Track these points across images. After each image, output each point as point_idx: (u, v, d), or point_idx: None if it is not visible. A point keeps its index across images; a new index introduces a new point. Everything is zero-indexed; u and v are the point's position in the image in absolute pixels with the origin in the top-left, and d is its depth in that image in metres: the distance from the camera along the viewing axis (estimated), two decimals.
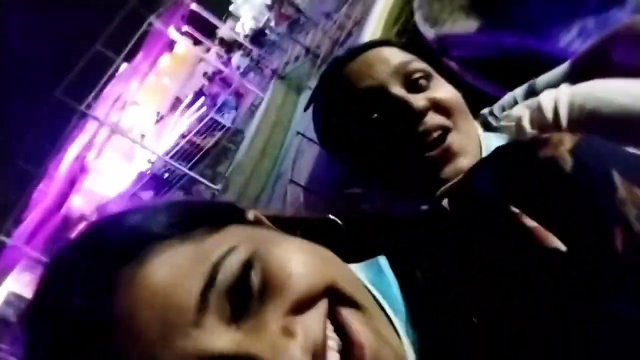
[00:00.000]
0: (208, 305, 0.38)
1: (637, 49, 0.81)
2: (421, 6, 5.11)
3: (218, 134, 12.40)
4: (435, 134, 0.76)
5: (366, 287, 0.48)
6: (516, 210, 0.43)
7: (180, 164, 11.15)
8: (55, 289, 0.42)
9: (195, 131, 12.77)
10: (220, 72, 15.18)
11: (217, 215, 0.48)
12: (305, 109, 0.93)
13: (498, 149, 0.53)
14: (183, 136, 13.12)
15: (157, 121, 14.72)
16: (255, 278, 0.40)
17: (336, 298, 0.41)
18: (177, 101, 15.08)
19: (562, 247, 0.39)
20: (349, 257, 0.51)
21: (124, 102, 14.09)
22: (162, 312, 0.37)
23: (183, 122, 13.88)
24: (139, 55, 13.83)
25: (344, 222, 0.57)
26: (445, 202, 0.54)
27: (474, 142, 0.78)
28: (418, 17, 5.13)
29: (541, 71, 0.92)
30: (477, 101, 0.94)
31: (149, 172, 12.84)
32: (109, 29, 10.92)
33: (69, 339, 0.39)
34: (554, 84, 0.84)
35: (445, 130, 0.77)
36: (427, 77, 0.81)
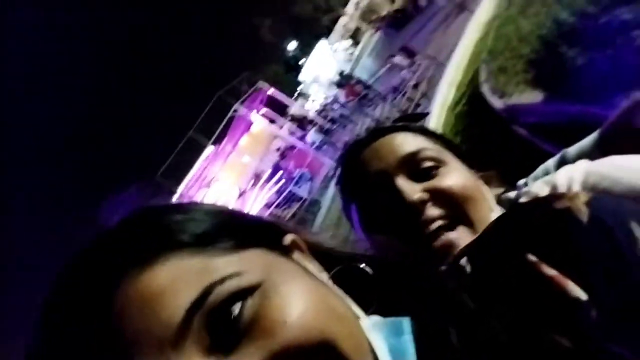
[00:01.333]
0: (190, 327, 0.36)
1: None
2: (488, 80, 5.60)
3: (296, 205, 13.14)
4: (433, 227, 0.75)
5: (374, 351, 0.44)
6: (534, 258, 0.43)
7: None
8: (70, 277, 0.43)
9: (275, 204, 13.63)
10: (293, 147, 16.25)
11: (246, 234, 0.46)
12: (336, 184, 0.96)
13: (513, 206, 0.56)
14: (266, 207, 13.96)
15: (239, 196, 15.77)
16: (248, 311, 0.38)
17: (331, 358, 0.38)
18: (256, 176, 16.16)
19: (583, 296, 0.40)
20: (377, 308, 0.50)
21: (209, 180, 15.38)
22: (146, 320, 0.37)
23: (263, 196, 14.83)
24: (225, 139, 15.29)
25: (376, 272, 0.54)
26: (464, 260, 0.54)
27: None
28: (485, 89, 5.57)
29: None
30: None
31: None
32: (200, 117, 12.34)
33: (65, 320, 0.40)
34: (585, 153, 0.85)
35: (449, 221, 0.76)
36: (437, 165, 0.81)
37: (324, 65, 22.42)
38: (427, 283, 0.55)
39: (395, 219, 0.77)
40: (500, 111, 4.68)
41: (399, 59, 11.20)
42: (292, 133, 17.04)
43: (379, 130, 0.89)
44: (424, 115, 1.02)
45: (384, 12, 19.12)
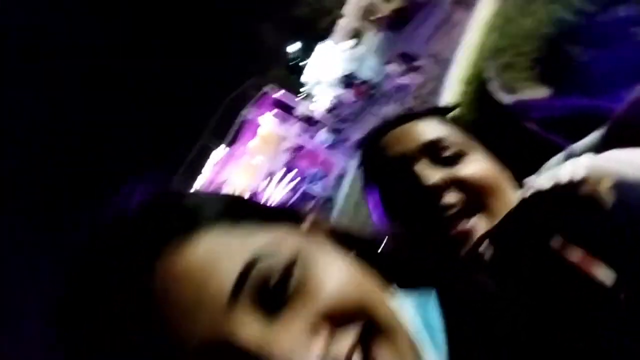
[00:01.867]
0: (241, 293, 0.38)
1: None
2: (495, 77, 5.90)
3: (310, 203, 13.43)
4: (450, 213, 0.74)
5: (407, 319, 0.46)
6: (558, 243, 0.43)
7: None
8: (108, 246, 0.42)
9: (290, 203, 13.91)
10: (302, 147, 16.54)
11: (269, 214, 0.48)
12: (358, 168, 0.96)
13: (536, 191, 0.54)
14: None
15: (252, 197, 16.00)
16: (292, 280, 0.40)
17: (371, 326, 0.40)
18: (269, 177, 16.45)
19: (609, 280, 0.40)
20: (401, 281, 0.51)
21: (222, 182, 15.71)
22: (197, 290, 0.38)
23: (276, 196, 15.11)
24: (237, 142, 15.63)
25: (398, 250, 0.54)
26: (483, 246, 0.54)
27: None
28: (493, 86, 5.87)
29: None
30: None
31: None
32: (211, 123, 12.67)
33: (107, 293, 0.40)
34: (592, 149, 0.85)
35: (467, 209, 0.75)
36: (460, 153, 0.80)
37: (326, 66, 22.64)
38: (447, 266, 0.58)
39: (413, 205, 0.78)
40: (509, 107, 4.93)
41: (392, 67, 11.44)
42: (300, 133, 17.33)
43: (405, 116, 0.89)
44: (454, 107, 0.98)
45: (383, 12, 19.31)
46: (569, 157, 0.90)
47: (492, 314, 0.45)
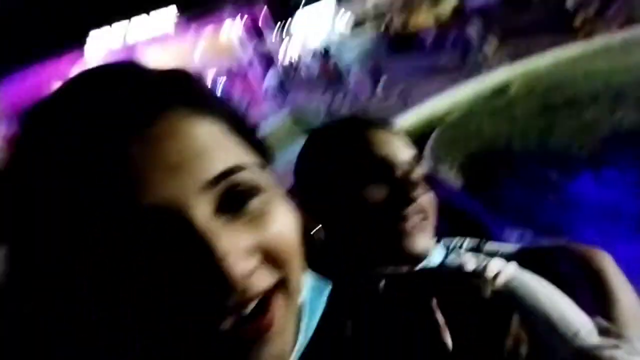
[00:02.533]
0: (214, 188, 0.39)
1: (574, 267, 0.86)
2: (434, 143, 6.30)
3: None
4: (407, 229, 0.79)
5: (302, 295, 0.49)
6: (435, 303, 0.49)
7: None
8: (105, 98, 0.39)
9: None
10: (243, 75, 16.03)
11: (260, 144, 0.48)
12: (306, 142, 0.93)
13: (451, 268, 0.64)
14: None
15: None
16: (255, 203, 0.41)
17: (284, 282, 0.42)
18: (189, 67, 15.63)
19: (449, 344, 0.46)
20: (312, 261, 0.52)
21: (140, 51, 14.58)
22: (182, 154, 0.38)
23: None
24: (195, 26, 14.50)
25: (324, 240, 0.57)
26: (382, 283, 0.56)
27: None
28: (428, 151, 6.25)
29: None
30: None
31: None
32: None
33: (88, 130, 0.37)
34: (500, 254, 0.89)
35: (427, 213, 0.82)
36: (420, 179, 0.85)
37: (317, 27, 22.06)
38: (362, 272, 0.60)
39: (374, 206, 0.80)
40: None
41: (360, 73, 11.76)
42: (254, 62, 16.78)
43: (386, 121, 0.92)
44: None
45: (398, 24, 19.18)
46: (477, 247, 0.96)
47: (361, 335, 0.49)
